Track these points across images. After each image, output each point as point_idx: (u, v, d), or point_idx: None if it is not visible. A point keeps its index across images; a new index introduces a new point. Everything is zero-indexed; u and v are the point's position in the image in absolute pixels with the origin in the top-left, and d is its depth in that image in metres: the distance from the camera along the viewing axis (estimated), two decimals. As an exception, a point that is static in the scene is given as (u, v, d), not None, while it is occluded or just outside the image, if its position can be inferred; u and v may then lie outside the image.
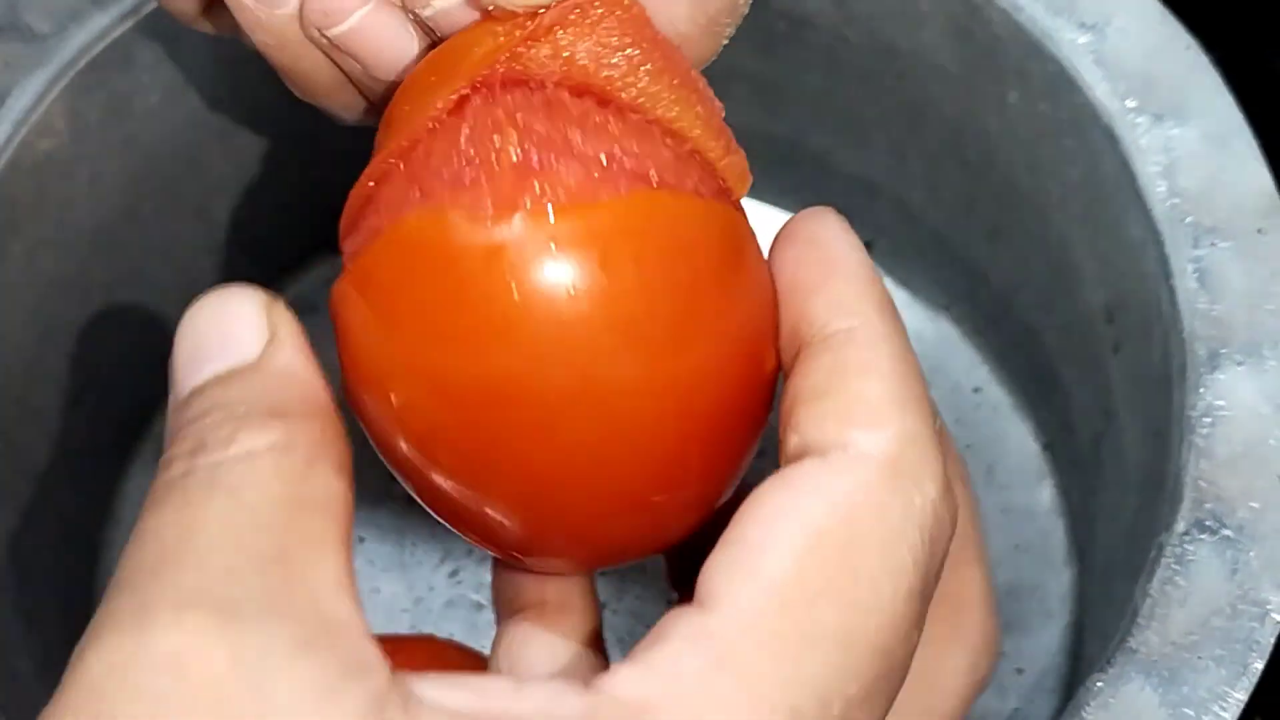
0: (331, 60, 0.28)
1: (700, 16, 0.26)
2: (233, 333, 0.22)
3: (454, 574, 0.43)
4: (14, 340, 0.37)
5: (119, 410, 0.42)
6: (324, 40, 0.27)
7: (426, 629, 0.42)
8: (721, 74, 0.44)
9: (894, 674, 0.22)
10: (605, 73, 0.24)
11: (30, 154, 0.36)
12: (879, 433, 0.22)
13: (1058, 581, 0.42)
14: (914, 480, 0.22)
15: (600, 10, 0.24)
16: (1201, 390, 0.33)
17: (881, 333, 0.23)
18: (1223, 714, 0.29)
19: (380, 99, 0.28)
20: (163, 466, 0.21)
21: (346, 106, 0.29)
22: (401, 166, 0.24)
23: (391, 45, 0.27)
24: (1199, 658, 0.30)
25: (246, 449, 0.21)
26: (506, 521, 0.24)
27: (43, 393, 0.39)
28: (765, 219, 0.47)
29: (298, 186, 0.44)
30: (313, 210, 0.45)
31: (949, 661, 0.23)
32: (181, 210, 0.42)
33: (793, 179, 0.46)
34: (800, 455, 0.22)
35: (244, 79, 0.41)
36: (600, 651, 0.27)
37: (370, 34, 0.27)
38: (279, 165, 0.43)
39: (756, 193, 0.47)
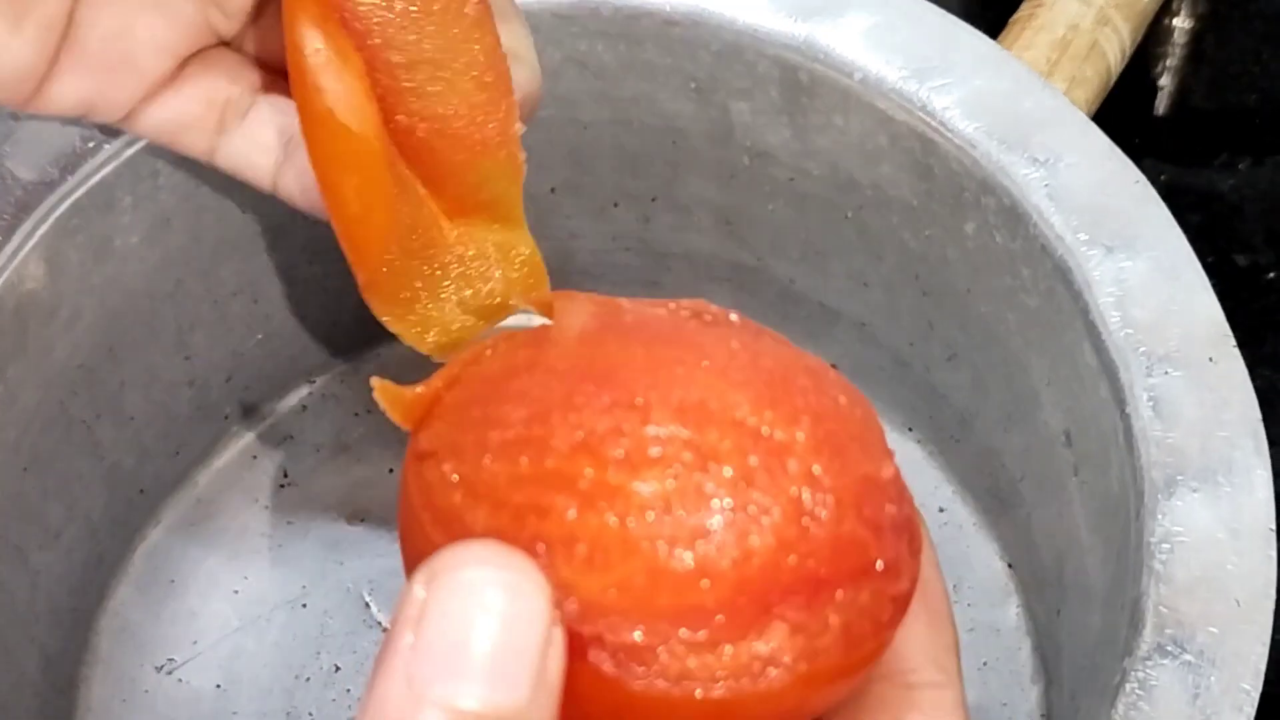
0: None
1: None
2: (514, 656, 0.20)
3: None
4: (-4, 479, 0.38)
5: (98, 545, 0.42)
6: None
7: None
8: (688, 203, 0.46)
9: None
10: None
11: (13, 296, 0.37)
12: None
13: (1025, 699, 0.43)
14: None
15: None
16: (1160, 516, 0.34)
17: (963, 699, 0.24)
18: (1189, 836, 0.30)
19: None
20: None
21: None
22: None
23: None
24: (1164, 781, 0.31)
25: None
26: None
27: (23, 529, 0.39)
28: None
29: (274, 318, 0.45)
30: (289, 340, 0.46)
31: None
32: (160, 344, 0.42)
33: (757, 304, 0.47)
34: None
35: (222, 216, 0.42)
36: None
37: None
38: (255, 298, 0.44)
39: (722, 317, 0.48)
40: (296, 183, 0.31)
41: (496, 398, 0.23)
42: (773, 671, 0.21)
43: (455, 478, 0.23)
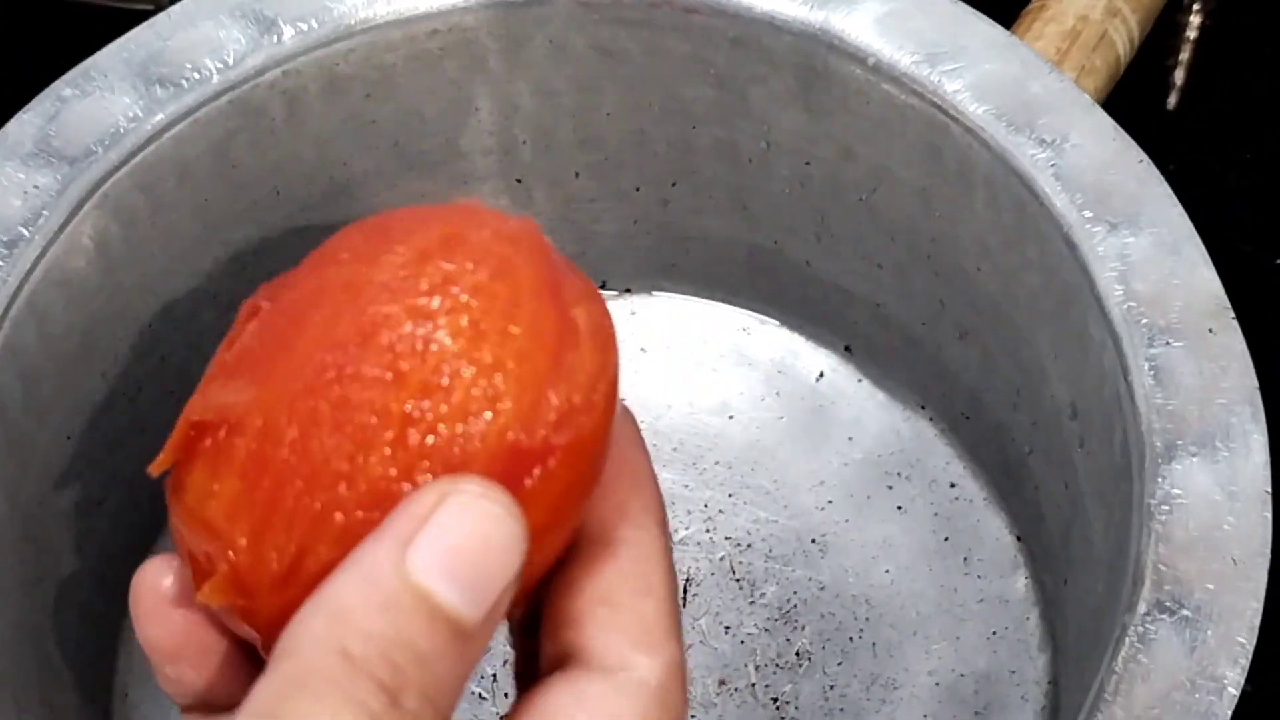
0: None
1: None
2: (489, 583, 0.22)
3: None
4: (43, 448, 0.39)
5: (137, 512, 0.44)
6: None
7: None
8: (706, 187, 0.47)
9: None
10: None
11: (60, 271, 0.39)
12: (655, 659, 0.25)
13: (1033, 667, 0.44)
14: (674, 709, 0.25)
15: None
16: (1160, 480, 0.35)
17: (660, 548, 0.26)
18: (1186, 784, 0.31)
19: None
20: (335, 653, 0.21)
21: None
22: None
23: None
24: (1162, 731, 0.32)
25: None
26: None
27: (67, 496, 0.41)
28: (749, 325, 0.50)
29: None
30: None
31: None
32: (200, 318, 0.44)
33: (774, 285, 0.49)
34: (579, 657, 0.25)
35: (258, 198, 0.43)
36: None
37: None
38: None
39: (740, 299, 0.50)
40: None
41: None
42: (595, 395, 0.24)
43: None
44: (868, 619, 0.45)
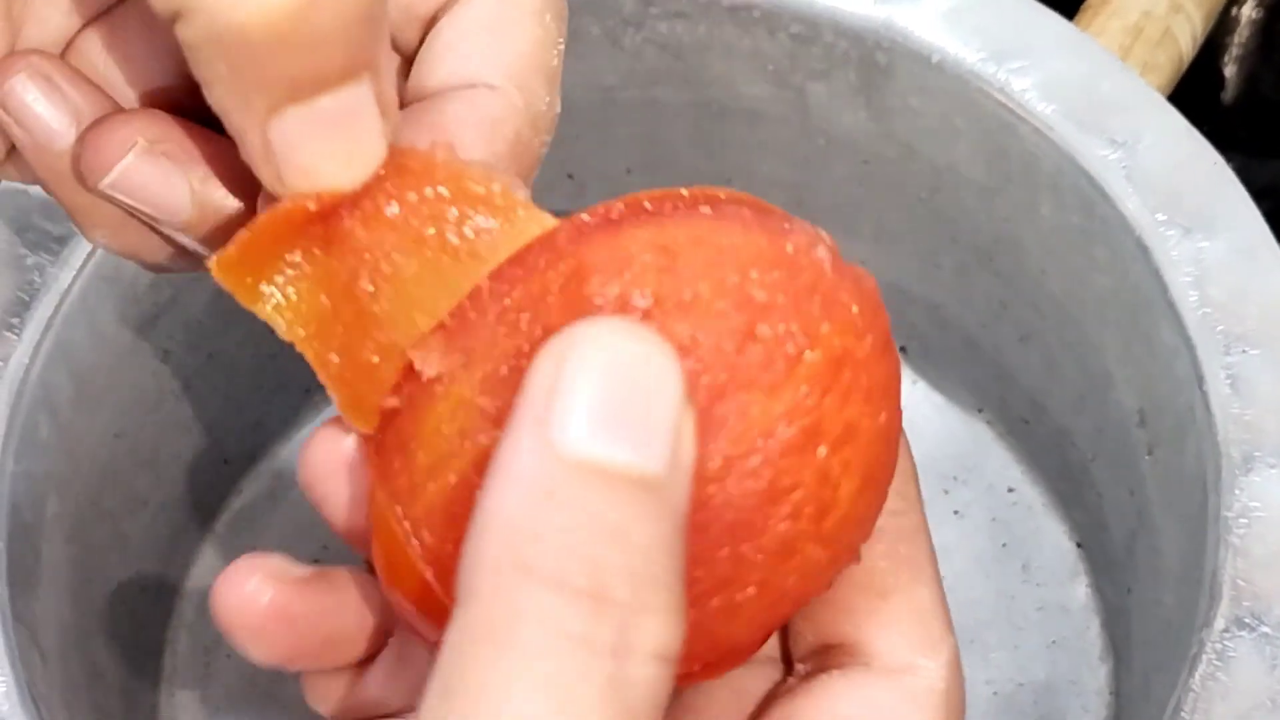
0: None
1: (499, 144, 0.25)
2: (654, 420, 0.19)
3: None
4: (92, 445, 0.39)
5: (183, 513, 0.43)
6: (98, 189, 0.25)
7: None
8: (762, 183, 0.46)
9: None
10: None
11: (110, 267, 0.38)
12: (938, 659, 0.23)
13: (1094, 677, 0.43)
14: (958, 711, 0.23)
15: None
16: (1237, 492, 0.34)
17: (923, 525, 0.24)
18: (1265, 805, 0.31)
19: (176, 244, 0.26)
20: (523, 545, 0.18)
21: (141, 248, 0.27)
22: None
23: (164, 193, 0.25)
24: (1241, 751, 0.31)
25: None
26: None
27: (114, 495, 0.40)
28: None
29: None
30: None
31: None
32: (246, 322, 0.43)
33: (829, 285, 0.48)
34: (854, 653, 0.23)
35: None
36: None
37: (139, 182, 0.25)
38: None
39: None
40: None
41: None
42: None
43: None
44: (924, 626, 0.44)
